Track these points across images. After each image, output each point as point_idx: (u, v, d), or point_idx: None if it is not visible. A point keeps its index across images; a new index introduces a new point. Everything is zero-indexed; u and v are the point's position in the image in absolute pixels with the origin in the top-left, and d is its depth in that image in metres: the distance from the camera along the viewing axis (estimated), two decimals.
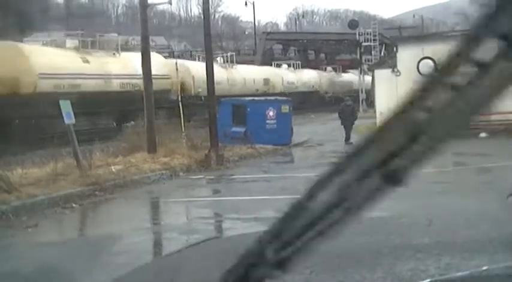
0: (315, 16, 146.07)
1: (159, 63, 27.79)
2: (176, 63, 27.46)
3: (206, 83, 19.33)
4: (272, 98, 26.29)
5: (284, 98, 28.13)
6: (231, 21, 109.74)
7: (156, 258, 8.47)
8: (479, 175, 14.94)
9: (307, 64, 59.38)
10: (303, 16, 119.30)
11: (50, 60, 24.48)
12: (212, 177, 16.31)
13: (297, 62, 56.22)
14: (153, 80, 18.96)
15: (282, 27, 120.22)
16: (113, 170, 15.02)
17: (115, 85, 27.70)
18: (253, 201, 12.32)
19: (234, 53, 45.96)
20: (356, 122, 33.29)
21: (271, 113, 22.64)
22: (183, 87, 29.94)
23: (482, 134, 23.95)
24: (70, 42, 28.47)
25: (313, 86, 55.25)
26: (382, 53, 49.32)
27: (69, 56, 26.36)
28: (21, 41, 29.64)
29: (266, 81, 46.02)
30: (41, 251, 8.69)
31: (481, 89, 0.88)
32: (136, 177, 15.02)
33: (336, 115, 26.35)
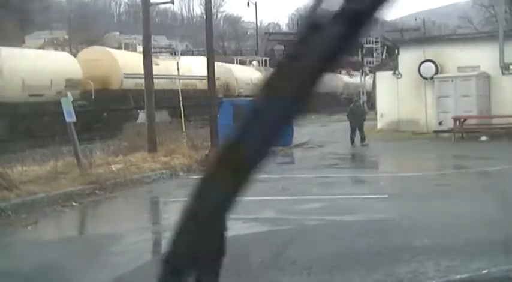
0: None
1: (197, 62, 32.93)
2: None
3: (248, 84, 21.36)
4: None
5: None
6: (233, 22, 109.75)
7: (155, 257, 8.46)
8: (479, 178, 14.92)
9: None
10: None
11: (131, 63, 28.34)
12: None
13: None
14: (204, 81, 23.67)
15: (284, 28, 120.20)
16: (113, 169, 15.02)
17: (177, 84, 29.94)
18: (253, 201, 12.28)
19: (268, 58, 49.03)
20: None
21: None
22: (227, 87, 36.75)
23: (483, 138, 23.95)
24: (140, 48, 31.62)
25: (330, 88, 57.38)
26: (383, 55, 49.30)
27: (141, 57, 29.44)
28: (23, 39, 29.85)
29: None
30: (40, 249, 8.69)
31: (317, 50, 0.89)
32: (137, 177, 15.02)
33: (337, 116, 26.36)
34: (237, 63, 43.20)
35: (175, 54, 35.05)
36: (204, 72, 22.69)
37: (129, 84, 29.17)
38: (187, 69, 31.05)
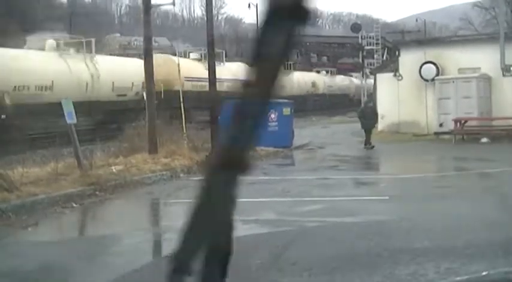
0: (317, 19, 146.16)
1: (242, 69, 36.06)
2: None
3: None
4: (273, 100, 26.26)
5: (286, 100, 28.14)
6: (234, 23, 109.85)
7: (155, 259, 8.46)
8: (480, 180, 14.93)
9: (310, 67, 59.55)
10: None
11: (189, 68, 33.94)
12: None
13: (332, 69, 62.66)
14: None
15: None
16: (114, 170, 15.02)
17: (224, 86, 35.32)
18: (254, 203, 12.29)
19: (293, 62, 51.84)
20: (359, 125, 33.36)
21: (272, 115, 22.62)
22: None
23: (484, 139, 23.95)
24: (192, 55, 40.41)
25: (344, 90, 61.73)
26: (384, 57, 49.30)
27: (197, 65, 36.83)
28: (24, 40, 30.03)
29: (313, 84, 56.47)
30: (41, 250, 8.69)
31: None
32: (137, 178, 15.02)
33: (337, 118, 26.32)
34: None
35: (220, 61, 39.08)
36: (240, 75, 25.66)
37: (188, 86, 33.53)
38: (230, 72, 36.95)
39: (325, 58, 72.08)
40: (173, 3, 22.37)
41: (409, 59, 28.33)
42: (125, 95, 30.20)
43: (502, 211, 9.76)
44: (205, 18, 20.65)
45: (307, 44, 68.92)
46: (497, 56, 25.71)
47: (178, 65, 27.60)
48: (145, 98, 24.81)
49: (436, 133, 25.50)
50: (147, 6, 18.81)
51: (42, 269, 7.59)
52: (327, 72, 61.83)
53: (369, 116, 23.49)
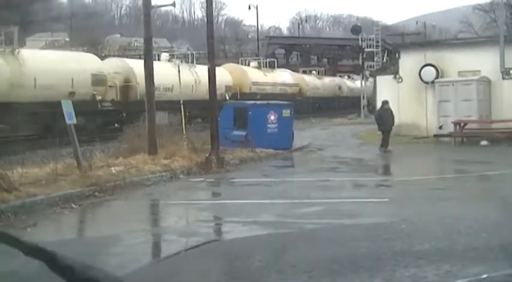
0: (318, 21, 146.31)
1: (290, 75, 50.90)
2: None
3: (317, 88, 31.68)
4: (273, 102, 26.29)
5: (285, 102, 28.18)
6: (234, 25, 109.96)
7: (154, 260, 8.45)
8: (480, 183, 14.93)
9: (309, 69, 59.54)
10: (306, 21, 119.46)
11: (253, 74, 44.60)
12: (212, 180, 16.30)
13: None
14: (288, 87, 46.51)
15: (285, 32, 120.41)
16: (113, 171, 15.01)
17: (277, 89, 45.66)
18: (253, 204, 12.30)
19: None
20: (360, 128, 33.36)
21: (272, 117, 22.63)
22: (300, 91, 50.10)
23: (484, 142, 23.97)
24: (252, 64, 47.46)
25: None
26: (384, 59, 49.32)
27: (259, 72, 45.73)
28: (24, 41, 29.98)
29: (338, 86, 60.09)
30: (28, 258, 8.67)
31: None
32: (137, 179, 15.01)
33: (337, 120, 26.27)
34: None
35: (274, 68, 48.73)
36: (288, 80, 47.66)
37: (254, 89, 43.07)
38: (280, 77, 47.78)
39: (325, 60, 72.12)
40: (173, 5, 22.39)
41: (409, 62, 28.35)
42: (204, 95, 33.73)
43: (503, 213, 9.76)
44: (206, 19, 20.63)
45: (308, 46, 69.02)
46: (497, 59, 25.72)
47: (245, 72, 40.21)
48: (227, 97, 36.72)
49: (436, 135, 25.51)
50: (147, 7, 18.81)
51: (41, 270, 7.58)
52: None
53: (386, 119, 23.06)
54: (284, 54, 66.90)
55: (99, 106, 27.80)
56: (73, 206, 12.20)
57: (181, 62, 34.08)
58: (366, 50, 48.82)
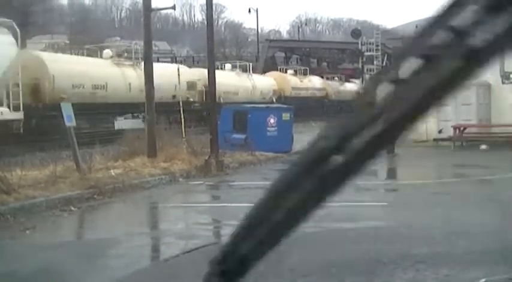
0: (318, 24, 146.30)
1: (318, 80, 56.41)
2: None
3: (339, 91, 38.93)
4: (273, 105, 26.30)
5: (285, 105, 28.18)
6: (234, 28, 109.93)
7: (153, 262, 8.46)
8: (479, 187, 14.93)
9: (310, 72, 59.56)
10: (306, 24, 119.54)
11: (292, 80, 51.47)
12: (212, 183, 16.30)
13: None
14: (317, 91, 53.75)
15: (285, 35, 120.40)
16: (113, 173, 15.01)
17: (309, 93, 52.63)
18: None
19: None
20: None
21: (272, 121, 22.63)
22: (327, 94, 55.26)
23: (483, 146, 23.96)
24: (289, 71, 54.38)
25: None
26: (384, 63, 49.34)
27: (296, 78, 52.55)
28: (25, 43, 30.00)
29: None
30: (39, 253, 8.68)
31: (426, 83, 0.87)
32: (136, 182, 15.01)
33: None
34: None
35: (305, 74, 54.53)
36: (317, 85, 54.65)
37: (293, 93, 49.39)
38: (311, 83, 54.36)
39: (325, 64, 72.17)
40: (174, 7, 22.43)
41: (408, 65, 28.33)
42: (264, 98, 43.98)
43: (501, 218, 9.76)
44: (206, 22, 20.64)
45: (307, 49, 69.03)
46: (497, 63, 25.72)
47: (285, 78, 48.09)
48: (274, 100, 44.20)
49: (435, 139, 25.51)
50: (147, 9, 18.82)
51: (40, 272, 7.58)
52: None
53: None
54: (284, 57, 66.88)
55: (192, 107, 33.68)
56: (72, 208, 12.20)
57: (239, 70, 43.76)
58: (366, 53, 48.88)
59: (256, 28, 73.50)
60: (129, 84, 29.30)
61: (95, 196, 13.22)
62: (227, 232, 10.39)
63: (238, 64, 45.10)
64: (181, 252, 8.08)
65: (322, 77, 58.33)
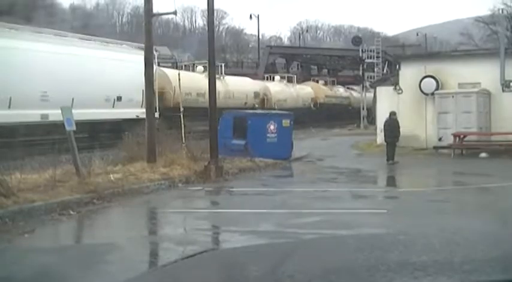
0: (318, 31, 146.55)
1: (343, 89, 60.44)
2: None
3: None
4: (273, 111, 26.33)
5: (285, 112, 28.20)
6: (236, 34, 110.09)
7: (151, 268, 8.43)
8: (479, 195, 14.92)
9: (310, 79, 59.61)
10: (306, 31, 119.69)
11: (324, 89, 57.02)
12: (211, 189, 16.29)
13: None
14: (343, 99, 59.25)
15: (286, 42, 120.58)
16: (112, 178, 15.00)
17: (338, 100, 57.28)
18: (252, 214, 12.29)
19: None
20: (357, 138, 33.32)
21: (272, 127, 22.64)
22: (350, 102, 59.44)
23: (483, 154, 23.96)
24: (321, 81, 59.37)
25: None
26: (384, 70, 49.41)
27: (327, 88, 57.78)
28: None
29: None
30: (37, 257, 8.66)
31: None
32: (135, 187, 15.00)
33: (335, 131, 26.22)
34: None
35: (333, 84, 60.33)
36: (344, 94, 59.54)
37: (326, 100, 55.01)
38: (339, 92, 59.26)
39: (325, 70, 72.21)
40: (175, 13, 22.40)
41: (409, 73, 28.37)
42: (305, 104, 51.12)
43: (501, 226, 9.75)
44: (207, 28, 20.65)
45: (308, 56, 69.06)
46: (498, 72, 25.76)
47: (320, 88, 53.22)
48: (312, 105, 52.35)
49: (435, 147, 25.51)
50: (149, 15, 18.84)
51: (39, 276, 7.56)
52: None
53: (393, 129, 22.73)
54: (284, 64, 66.95)
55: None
56: (71, 212, 12.19)
57: (280, 80, 51.04)
58: (367, 60, 48.91)
59: (257, 34, 73.62)
60: (218, 92, 31.44)
61: (94, 200, 13.21)
62: (226, 238, 10.38)
63: (286, 76, 52.97)
64: (179, 257, 8.07)
65: (348, 88, 62.78)
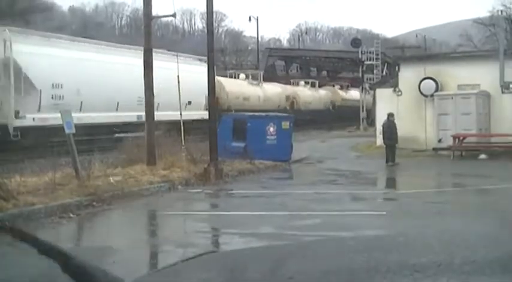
0: (318, 33, 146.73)
1: (357, 92, 55.35)
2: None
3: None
4: (273, 114, 26.34)
5: (285, 114, 28.20)
6: (235, 36, 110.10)
7: (151, 270, 8.43)
8: (477, 196, 14.93)
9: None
10: (306, 33, 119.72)
11: (341, 93, 60.87)
12: (211, 191, 16.29)
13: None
14: (357, 101, 52.13)
15: (285, 44, 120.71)
16: (112, 181, 14.99)
17: (352, 103, 56.18)
18: (251, 216, 12.29)
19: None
20: (357, 140, 33.33)
21: (271, 129, 22.64)
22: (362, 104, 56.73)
23: (482, 156, 23.97)
24: (337, 86, 63.03)
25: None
26: (384, 72, 49.39)
27: (342, 91, 61.20)
28: None
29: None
30: (36, 259, 8.65)
31: None
32: (135, 189, 14.99)
33: (335, 133, 26.18)
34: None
35: (348, 88, 62.57)
36: (357, 97, 53.57)
37: (343, 102, 58.95)
38: (350, 95, 60.57)
39: (324, 72, 72.22)
40: (174, 15, 22.43)
41: (408, 75, 28.38)
42: (325, 106, 56.56)
43: (500, 227, 9.75)
44: (206, 30, 20.66)
45: (307, 58, 69.08)
46: (497, 73, 25.76)
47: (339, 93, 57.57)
48: (330, 107, 57.16)
49: (434, 149, 25.50)
50: (148, 17, 18.84)
51: (37, 278, 7.56)
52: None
53: (393, 131, 22.73)
54: (284, 66, 66.96)
55: (287, 113, 41.65)
56: (71, 215, 12.19)
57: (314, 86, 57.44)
58: (366, 62, 48.90)
59: (256, 36, 73.54)
60: (258, 96, 45.08)
61: (94, 203, 13.21)
62: (225, 240, 10.38)
63: (310, 81, 58.25)
64: (179, 260, 8.06)
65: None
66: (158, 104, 23.02)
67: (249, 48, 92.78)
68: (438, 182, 19.22)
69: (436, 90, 27.12)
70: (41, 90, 23.18)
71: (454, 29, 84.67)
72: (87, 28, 76.45)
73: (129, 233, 11.43)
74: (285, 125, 23.35)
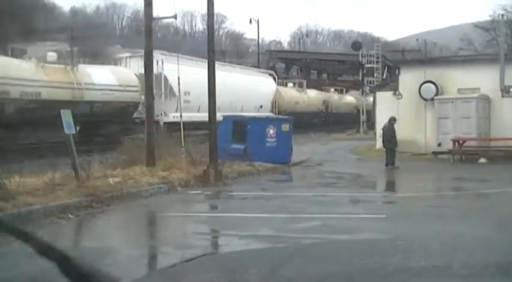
0: (318, 36, 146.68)
1: (353, 97, 64.15)
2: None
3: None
4: (273, 116, 26.35)
5: (285, 116, 28.20)
6: (235, 38, 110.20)
7: (150, 272, 8.42)
8: (477, 200, 14.92)
9: (309, 84, 59.71)
10: (306, 35, 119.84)
11: (361, 99, 56.61)
12: (210, 193, 16.28)
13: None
14: (350, 104, 63.60)
15: (286, 46, 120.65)
16: (111, 182, 14.98)
17: (368, 108, 53.15)
18: (251, 218, 12.28)
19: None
20: (356, 143, 33.33)
21: (271, 131, 22.63)
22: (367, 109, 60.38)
23: (482, 160, 23.96)
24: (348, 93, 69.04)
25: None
26: (384, 75, 49.40)
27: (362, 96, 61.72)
28: (25, 49, 30.20)
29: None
30: (35, 260, 8.64)
31: None
32: (134, 190, 14.98)
33: (333, 135, 26.17)
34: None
35: (343, 92, 65.69)
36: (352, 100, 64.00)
37: (367, 107, 58.48)
38: (369, 101, 57.38)
39: (325, 75, 72.27)
40: (175, 17, 22.41)
41: (409, 78, 28.38)
42: (349, 109, 61.36)
43: (499, 232, 9.74)
44: (207, 32, 20.66)
45: (308, 60, 69.12)
46: (497, 77, 25.77)
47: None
48: (355, 111, 58.57)
49: (434, 153, 25.50)
50: (149, 19, 18.84)
51: (36, 279, 7.55)
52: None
53: (392, 134, 22.74)
54: (284, 68, 67.01)
55: (321, 114, 56.43)
56: (70, 216, 12.17)
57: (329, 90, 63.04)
58: (366, 65, 48.93)
59: (257, 39, 73.56)
60: (304, 101, 53.28)
61: (93, 204, 13.19)
62: (225, 242, 10.37)
63: (339, 89, 64.76)
64: (178, 261, 8.05)
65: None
66: (242, 106, 35.76)
67: (250, 50, 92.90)
68: (438, 186, 19.22)
69: (436, 93, 27.12)
70: (178, 96, 25.95)
71: (455, 33, 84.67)
72: (88, 29, 76.40)
73: (128, 234, 11.42)
74: (285, 127, 23.35)
